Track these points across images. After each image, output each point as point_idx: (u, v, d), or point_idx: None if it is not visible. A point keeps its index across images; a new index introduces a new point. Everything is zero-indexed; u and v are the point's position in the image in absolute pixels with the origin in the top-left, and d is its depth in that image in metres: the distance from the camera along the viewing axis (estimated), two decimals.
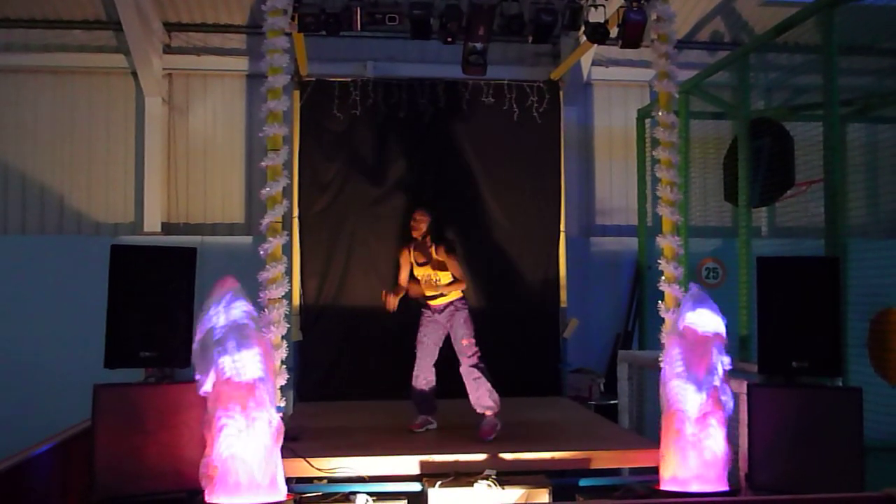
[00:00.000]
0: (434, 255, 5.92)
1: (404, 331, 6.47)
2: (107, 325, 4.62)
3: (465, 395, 5.91)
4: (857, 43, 5.95)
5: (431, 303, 6.02)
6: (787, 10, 6.56)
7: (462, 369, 5.89)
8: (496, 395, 5.84)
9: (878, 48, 6.47)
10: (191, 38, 8.97)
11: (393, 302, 5.83)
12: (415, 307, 6.13)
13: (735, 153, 6.74)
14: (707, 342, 4.67)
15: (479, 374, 5.83)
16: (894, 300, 5.04)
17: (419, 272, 6.00)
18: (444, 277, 5.94)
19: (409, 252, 6.02)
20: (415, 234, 5.97)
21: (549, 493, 4.80)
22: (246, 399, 4.18)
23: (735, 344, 6.17)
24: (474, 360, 5.87)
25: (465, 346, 5.89)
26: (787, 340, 4.74)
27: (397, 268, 6.18)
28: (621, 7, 6.03)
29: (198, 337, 4.34)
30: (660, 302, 5.89)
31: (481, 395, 5.83)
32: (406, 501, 4.91)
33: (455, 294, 6.00)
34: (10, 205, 8.76)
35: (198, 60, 8.94)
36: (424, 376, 6.03)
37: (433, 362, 6.04)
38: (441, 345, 6.06)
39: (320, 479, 5.06)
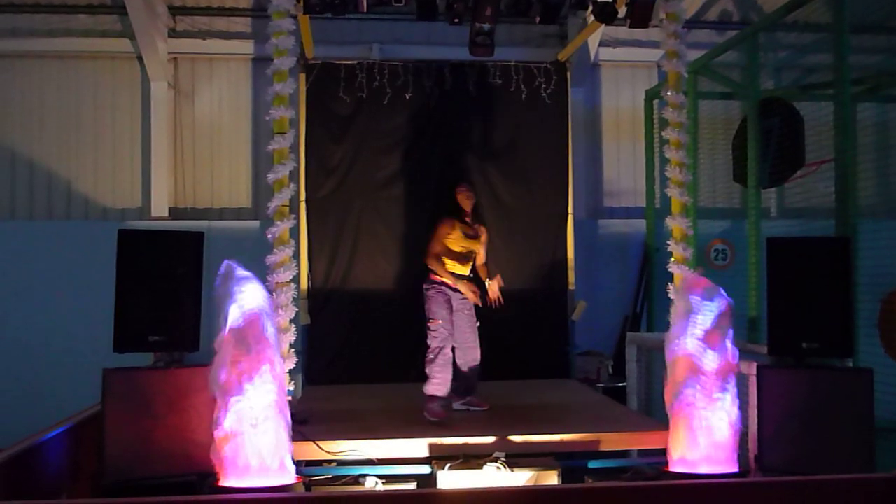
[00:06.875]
0: (478, 231, 6.03)
1: (412, 313, 6.44)
2: (115, 310, 4.61)
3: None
4: (867, 21, 5.88)
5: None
6: None
7: (472, 343, 5.98)
8: None
9: (890, 26, 6.39)
10: (196, 22, 8.94)
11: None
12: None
13: (744, 133, 6.70)
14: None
15: None
16: None
17: (465, 245, 5.97)
18: (479, 256, 6.10)
19: (455, 224, 5.93)
20: (467, 207, 5.99)
21: (558, 476, 4.81)
22: (253, 369, 4.14)
23: (744, 325, 6.16)
24: None
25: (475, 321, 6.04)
26: (796, 322, 4.70)
27: (429, 238, 5.98)
28: None
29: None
30: (669, 284, 5.87)
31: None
32: (415, 484, 4.91)
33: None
34: (17, 190, 8.78)
35: (203, 44, 8.91)
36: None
37: None
38: None
39: (329, 461, 5.07)
